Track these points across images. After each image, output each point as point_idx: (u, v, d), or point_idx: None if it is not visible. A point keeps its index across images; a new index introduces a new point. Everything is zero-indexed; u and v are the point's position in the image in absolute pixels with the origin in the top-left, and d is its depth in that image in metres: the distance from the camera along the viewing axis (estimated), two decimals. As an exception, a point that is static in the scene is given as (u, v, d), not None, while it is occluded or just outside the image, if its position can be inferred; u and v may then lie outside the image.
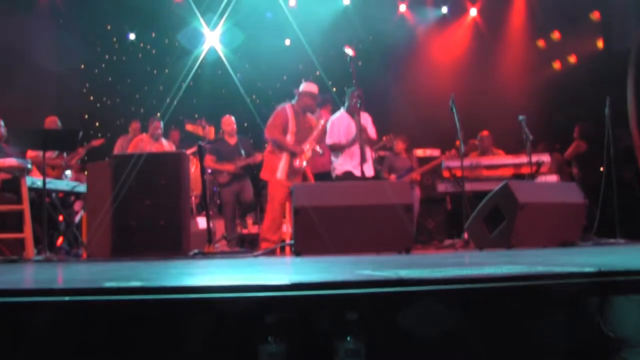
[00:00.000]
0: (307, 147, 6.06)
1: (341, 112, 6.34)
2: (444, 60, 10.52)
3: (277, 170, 5.97)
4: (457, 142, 6.50)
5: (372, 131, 6.28)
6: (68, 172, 7.10)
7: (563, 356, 1.73)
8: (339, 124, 6.24)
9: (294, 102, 6.20)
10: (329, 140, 6.21)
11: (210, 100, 10.41)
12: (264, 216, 6.14)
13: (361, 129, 5.81)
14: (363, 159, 5.72)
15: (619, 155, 6.36)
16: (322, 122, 6.23)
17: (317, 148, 6.14)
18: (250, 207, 7.39)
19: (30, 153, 6.32)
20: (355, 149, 5.91)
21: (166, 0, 10.15)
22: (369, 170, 5.93)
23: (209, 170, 7.39)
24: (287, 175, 5.96)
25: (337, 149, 6.20)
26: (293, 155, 6.01)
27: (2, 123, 6.12)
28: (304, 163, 6.04)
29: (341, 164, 6.18)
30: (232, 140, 7.31)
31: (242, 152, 7.15)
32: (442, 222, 8.48)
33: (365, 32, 10.53)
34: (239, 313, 1.55)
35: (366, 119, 6.22)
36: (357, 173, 5.89)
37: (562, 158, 8.09)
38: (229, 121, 7.38)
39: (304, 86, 6.22)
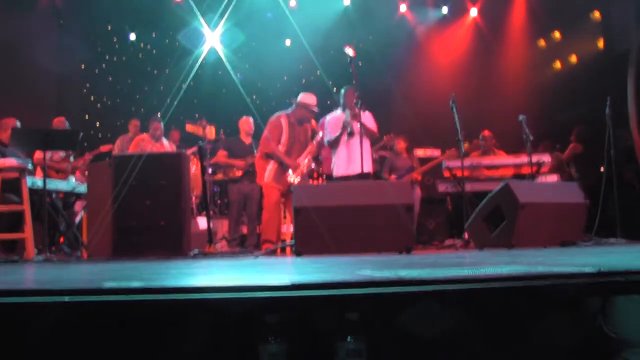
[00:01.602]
0: (304, 162, 6.12)
1: (337, 111, 6.45)
2: (445, 60, 10.51)
3: (265, 174, 6.06)
4: (466, 144, 6.50)
5: (372, 125, 6.33)
6: (72, 178, 7.09)
7: (564, 356, 1.73)
8: (332, 121, 6.38)
9: (290, 111, 6.22)
10: (325, 139, 6.32)
11: (210, 100, 10.42)
12: (261, 217, 6.18)
13: (361, 125, 5.87)
14: (355, 156, 5.82)
15: (619, 155, 6.36)
16: (317, 137, 6.29)
17: (312, 165, 6.22)
18: (251, 219, 7.32)
19: (38, 154, 6.32)
20: (352, 148, 6.02)
21: (166, 1, 10.15)
22: (367, 166, 5.96)
23: (210, 170, 7.40)
24: (274, 178, 6.03)
25: (333, 144, 6.29)
26: (286, 168, 6.05)
27: (19, 124, 6.08)
28: (298, 179, 6.07)
29: (338, 168, 6.23)
30: (247, 140, 7.46)
31: (255, 152, 7.20)
32: (442, 222, 8.48)
33: (365, 32, 10.53)
34: (239, 313, 1.55)
35: (366, 117, 6.26)
36: (356, 171, 5.93)
37: (562, 158, 8.08)
38: (248, 121, 7.52)
39: (302, 97, 6.24)
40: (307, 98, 6.23)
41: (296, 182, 6.02)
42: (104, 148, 7.73)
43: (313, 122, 6.51)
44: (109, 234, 5.06)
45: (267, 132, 6.14)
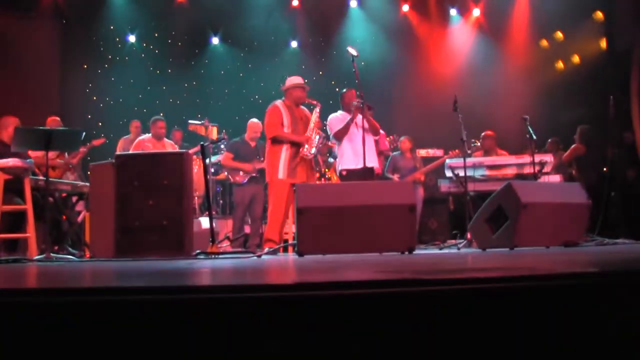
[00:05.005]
0: (312, 134, 6.01)
1: (337, 113, 6.50)
2: (447, 60, 10.51)
3: (278, 169, 5.93)
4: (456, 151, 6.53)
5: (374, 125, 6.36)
6: (68, 175, 7.08)
7: (565, 357, 1.73)
8: (334, 119, 6.41)
9: (283, 99, 6.18)
10: (331, 134, 6.31)
11: (212, 100, 10.42)
12: (267, 216, 6.12)
13: (364, 116, 5.88)
14: (363, 148, 5.82)
15: (622, 155, 6.35)
16: (317, 110, 6.18)
17: (322, 136, 6.10)
18: (255, 220, 7.33)
19: (32, 153, 6.31)
20: (356, 143, 6.03)
21: (168, 0, 10.17)
22: (371, 161, 5.94)
23: (212, 169, 7.39)
24: (289, 173, 5.89)
25: (340, 136, 6.27)
26: (297, 146, 5.93)
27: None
28: (313, 150, 5.95)
29: (344, 163, 6.23)
30: (253, 143, 7.45)
31: (260, 157, 7.18)
32: (445, 222, 8.48)
33: (368, 32, 10.54)
34: (241, 313, 1.56)
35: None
36: (360, 166, 5.92)
37: (562, 160, 8.07)
38: (255, 126, 7.44)
39: (288, 80, 6.20)
40: (293, 79, 6.19)
41: (312, 153, 5.94)
42: (96, 142, 7.66)
43: (305, 110, 6.40)
44: (111, 233, 5.07)
45: (267, 119, 6.06)
